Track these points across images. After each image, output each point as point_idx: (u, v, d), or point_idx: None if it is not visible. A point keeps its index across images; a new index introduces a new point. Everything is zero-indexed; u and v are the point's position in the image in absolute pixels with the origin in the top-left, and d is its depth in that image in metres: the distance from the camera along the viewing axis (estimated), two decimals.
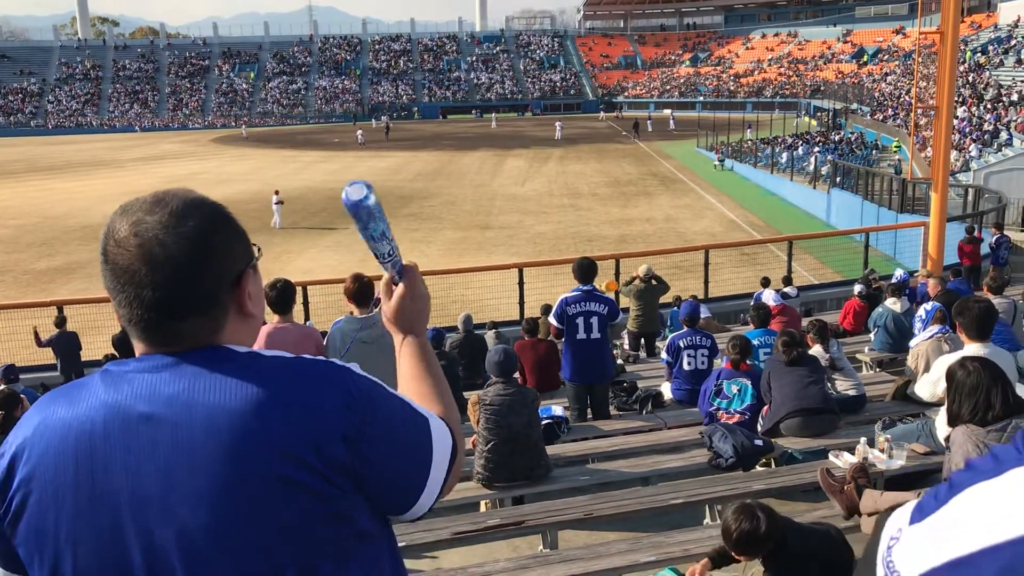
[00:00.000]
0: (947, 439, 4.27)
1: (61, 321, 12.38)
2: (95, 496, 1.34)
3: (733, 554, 3.70)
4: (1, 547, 1.43)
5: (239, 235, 1.48)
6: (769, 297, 10.95)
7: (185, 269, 1.38)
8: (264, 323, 8.35)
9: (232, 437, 1.33)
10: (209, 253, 1.41)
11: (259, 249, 1.54)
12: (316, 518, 1.35)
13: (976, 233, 16.22)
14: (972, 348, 5.30)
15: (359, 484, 1.39)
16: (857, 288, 12.19)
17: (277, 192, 28.62)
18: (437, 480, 1.52)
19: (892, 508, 1.16)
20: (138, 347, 1.45)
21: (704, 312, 11.74)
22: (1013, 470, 0.96)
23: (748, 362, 7.15)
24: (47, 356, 12.97)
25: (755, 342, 8.52)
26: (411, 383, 1.72)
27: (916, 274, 13.01)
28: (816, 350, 7.29)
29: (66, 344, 12.21)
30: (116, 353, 10.81)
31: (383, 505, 1.46)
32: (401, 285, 1.77)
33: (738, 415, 6.84)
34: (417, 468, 1.50)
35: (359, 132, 65.77)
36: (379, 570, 1.48)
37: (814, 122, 61.14)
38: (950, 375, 4.21)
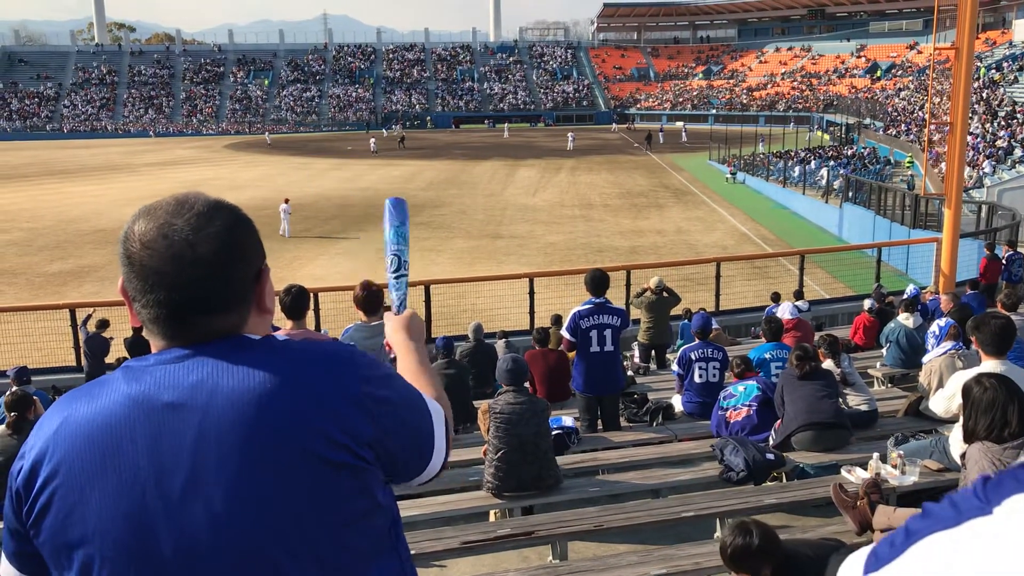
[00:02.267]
0: (962, 456, 4.24)
1: (103, 324, 12.41)
2: (122, 486, 1.35)
3: (732, 572, 3.69)
4: (23, 549, 1.45)
5: (256, 235, 1.53)
6: (785, 311, 10.91)
7: (213, 269, 1.42)
8: (277, 328, 8.38)
9: (259, 418, 1.36)
10: (234, 252, 1.45)
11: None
12: (345, 491, 1.41)
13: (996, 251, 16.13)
14: (989, 364, 5.26)
15: (379, 454, 1.46)
16: (867, 303, 12.14)
17: (287, 201, 28.67)
18: (440, 446, 1.64)
19: (846, 551, 1.14)
20: (158, 343, 1.47)
21: (713, 325, 11.72)
22: (972, 520, 0.92)
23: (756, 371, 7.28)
24: (60, 358, 13.03)
25: (767, 355, 8.51)
26: (411, 376, 1.84)
27: (925, 290, 12.95)
28: (827, 365, 7.26)
29: (98, 346, 12.26)
30: (129, 356, 10.86)
31: (401, 470, 1.55)
32: (408, 310, 1.99)
33: (745, 408, 6.87)
34: (425, 434, 1.60)
35: (372, 140, 65.99)
36: (393, 543, 1.55)
37: (827, 136, 61.07)
38: (966, 391, 4.18)
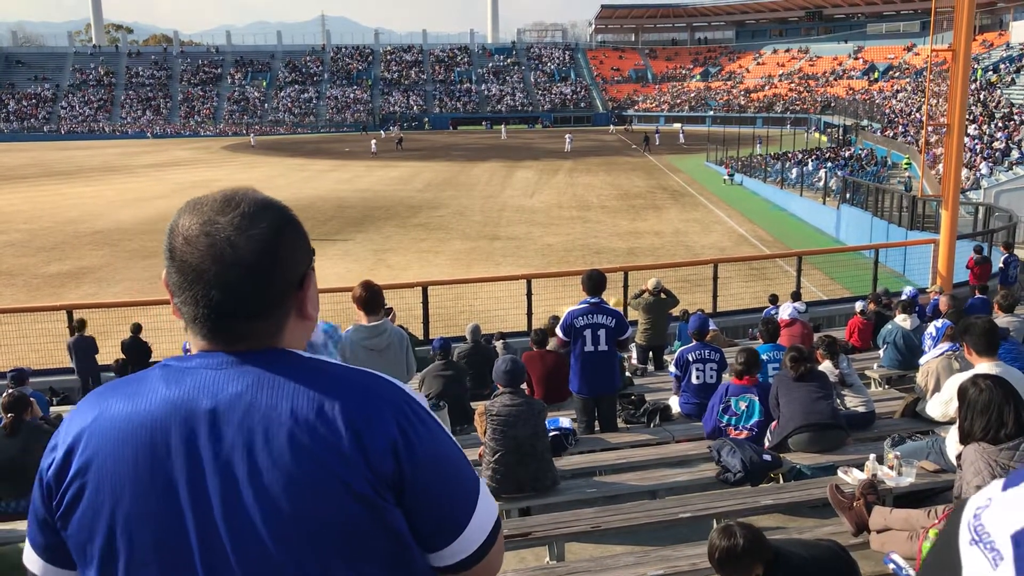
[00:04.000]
0: (958, 457, 4.24)
1: (81, 324, 12.43)
2: (153, 489, 1.36)
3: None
4: (49, 539, 1.45)
5: (303, 237, 1.50)
6: (785, 311, 10.92)
7: (254, 271, 1.39)
8: None
9: (292, 437, 1.35)
10: (277, 256, 1.42)
11: (313, 251, 1.56)
12: (365, 523, 1.38)
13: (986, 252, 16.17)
14: (983, 366, 5.27)
15: (400, 499, 1.41)
16: (859, 305, 12.15)
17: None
18: (477, 535, 1.51)
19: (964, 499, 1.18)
20: (198, 344, 1.46)
21: (711, 326, 11.73)
22: None
23: (756, 376, 7.11)
24: (57, 359, 13.03)
25: (764, 357, 8.50)
26: None
27: (929, 290, 12.97)
28: (826, 366, 7.27)
29: (84, 348, 12.27)
30: (125, 357, 10.86)
31: (419, 531, 1.46)
32: None
33: (746, 431, 6.81)
34: (458, 509, 1.49)
35: (373, 141, 65.90)
36: None
37: (824, 138, 61.14)
38: (962, 393, 4.18)
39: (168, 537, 1.35)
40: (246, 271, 1.38)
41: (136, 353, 11.72)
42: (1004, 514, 1.04)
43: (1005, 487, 1.07)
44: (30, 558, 1.51)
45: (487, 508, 1.53)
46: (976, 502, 1.11)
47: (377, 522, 1.39)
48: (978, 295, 11.80)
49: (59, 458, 1.41)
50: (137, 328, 12.31)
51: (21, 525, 6.04)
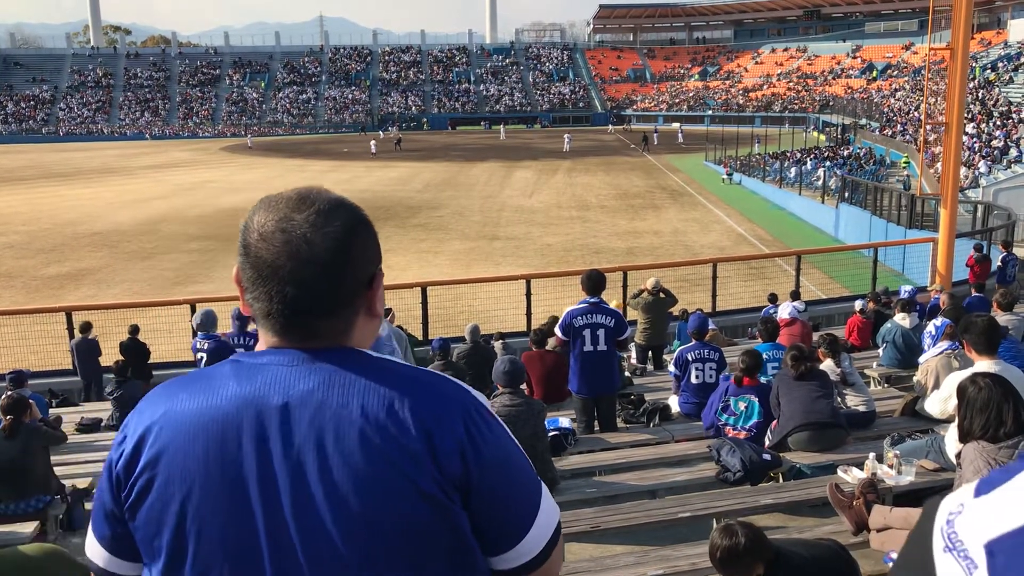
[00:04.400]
0: (957, 456, 4.24)
1: (86, 326, 12.41)
2: (225, 482, 1.36)
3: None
4: (116, 531, 1.46)
5: (374, 237, 1.52)
6: (785, 311, 10.92)
7: (328, 268, 1.40)
8: None
9: (362, 436, 1.36)
10: (350, 254, 1.43)
11: (381, 252, 1.57)
12: (432, 523, 1.39)
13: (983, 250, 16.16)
14: (983, 364, 5.27)
15: (467, 501, 1.42)
16: (858, 304, 12.15)
17: None
18: (540, 538, 1.50)
19: (940, 495, 1.18)
20: (268, 339, 1.47)
21: (710, 325, 11.73)
22: None
23: (757, 377, 7.11)
24: (56, 361, 13.03)
25: (763, 356, 8.50)
26: None
27: (929, 289, 12.97)
28: (827, 364, 7.27)
29: (87, 350, 12.25)
30: (124, 358, 10.84)
31: (484, 534, 1.47)
32: None
33: (745, 432, 6.81)
34: (523, 511, 1.49)
35: (372, 142, 65.82)
36: None
37: (823, 137, 61.13)
38: (961, 391, 4.18)
39: (237, 533, 1.36)
40: (321, 268, 1.39)
41: (135, 354, 11.70)
42: (977, 522, 1.04)
43: (977, 493, 1.07)
44: (94, 550, 1.51)
45: (549, 510, 1.54)
46: (948, 507, 1.11)
47: (444, 522, 1.39)
48: (975, 293, 11.79)
49: (128, 450, 1.41)
50: (135, 330, 12.29)
51: (21, 527, 6.04)
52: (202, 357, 8.99)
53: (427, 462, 1.37)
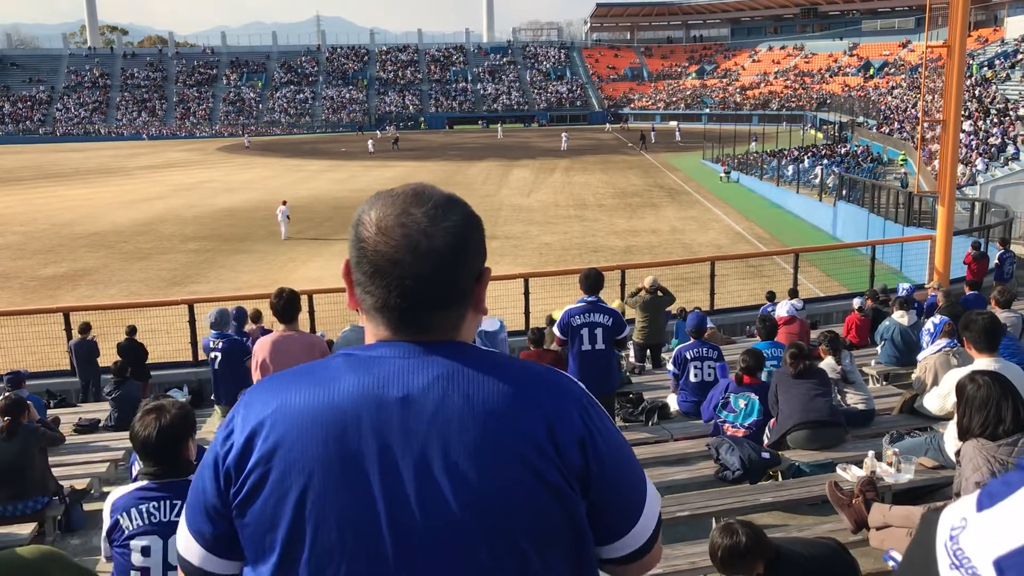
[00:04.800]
0: (957, 453, 4.24)
1: (85, 327, 12.38)
2: (345, 476, 1.36)
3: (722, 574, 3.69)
4: (218, 529, 1.45)
5: (483, 234, 1.54)
6: (783, 309, 10.91)
7: (446, 262, 1.42)
8: (268, 331, 8.35)
9: (486, 426, 1.38)
10: (467, 249, 1.46)
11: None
12: (555, 512, 1.40)
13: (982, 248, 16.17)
14: (982, 362, 5.26)
15: (586, 490, 1.44)
16: (856, 302, 12.16)
17: (284, 203, 28.63)
18: (648, 526, 1.55)
19: (938, 508, 1.16)
20: (378, 333, 1.47)
21: (708, 324, 11.72)
22: None
23: (758, 376, 7.11)
24: (54, 362, 13.01)
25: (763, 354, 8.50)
26: None
27: (928, 287, 12.97)
28: (828, 362, 7.26)
29: (85, 351, 12.23)
30: (122, 360, 10.83)
31: (598, 523, 1.49)
32: None
33: (744, 429, 6.81)
34: (634, 501, 1.53)
35: (370, 141, 65.74)
36: None
37: (820, 135, 61.15)
38: (960, 389, 4.18)
39: (358, 525, 1.35)
40: (439, 262, 1.41)
41: (132, 355, 11.69)
42: (983, 538, 1.02)
43: (980, 507, 1.06)
44: (189, 548, 1.50)
45: (654, 499, 1.57)
46: (950, 521, 1.09)
47: (565, 512, 1.41)
48: (970, 291, 11.80)
49: (239, 445, 1.40)
50: (132, 330, 12.28)
51: (19, 528, 6.03)
52: (216, 356, 8.98)
53: (551, 453, 1.39)
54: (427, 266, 1.40)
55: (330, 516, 1.35)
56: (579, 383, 1.53)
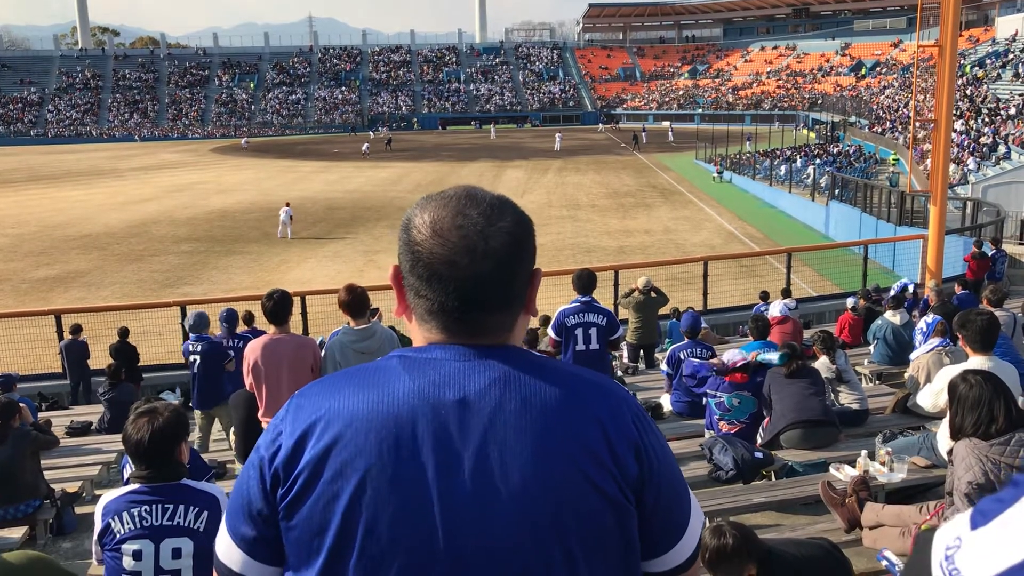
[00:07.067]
0: (949, 452, 4.25)
1: (76, 328, 12.35)
2: (400, 479, 1.33)
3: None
4: (261, 532, 1.42)
5: (534, 235, 1.51)
6: (776, 308, 10.93)
7: (503, 263, 1.40)
8: (261, 332, 8.31)
9: (543, 431, 1.36)
10: (521, 250, 1.44)
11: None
12: (607, 521, 1.38)
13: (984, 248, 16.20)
14: (976, 361, 5.28)
15: (639, 501, 1.42)
16: (850, 301, 12.18)
17: (288, 204, 28.72)
18: (693, 539, 1.52)
19: (931, 528, 1.15)
20: (430, 336, 1.45)
21: (702, 324, 11.73)
22: None
23: (753, 374, 7.13)
24: (46, 365, 12.96)
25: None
26: None
27: (927, 285, 12.98)
28: (822, 361, 7.27)
29: (75, 351, 12.19)
30: (115, 361, 10.79)
31: (647, 535, 1.46)
32: None
33: (738, 425, 6.82)
34: (682, 513, 1.51)
35: (365, 144, 65.43)
36: None
37: (812, 135, 61.31)
38: (952, 388, 4.18)
39: (412, 529, 1.32)
40: (496, 263, 1.39)
41: (124, 357, 11.65)
42: (979, 557, 1.01)
43: (974, 525, 1.05)
44: (230, 554, 1.45)
45: (698, 514, 1.55)
46: (944, 540, 1.08)
47: (617, 521, 1.39)
48: (962, 290, 11.83)
49: (289, 445, 1.37)
50: (124, 332, 12.24)
51: (10, 532, 6.00)
52: (195, 359, 8.95)
53: (607, 460, 1.37)
54: (485, 267, 1.38)
55: (383, 519, 1.32)
56: (627, 390, 1.51)
